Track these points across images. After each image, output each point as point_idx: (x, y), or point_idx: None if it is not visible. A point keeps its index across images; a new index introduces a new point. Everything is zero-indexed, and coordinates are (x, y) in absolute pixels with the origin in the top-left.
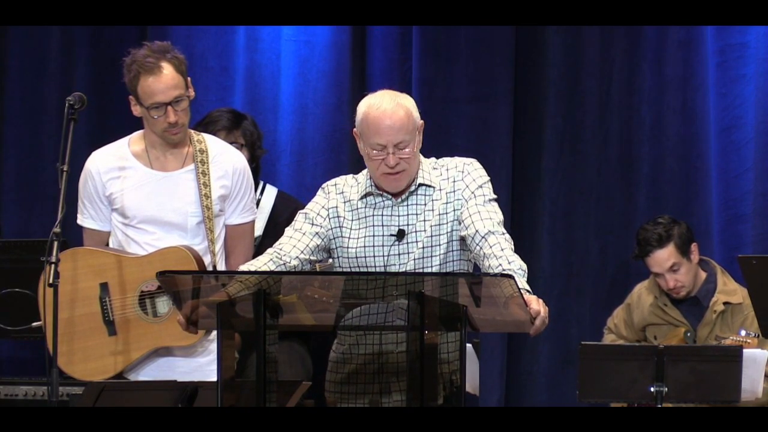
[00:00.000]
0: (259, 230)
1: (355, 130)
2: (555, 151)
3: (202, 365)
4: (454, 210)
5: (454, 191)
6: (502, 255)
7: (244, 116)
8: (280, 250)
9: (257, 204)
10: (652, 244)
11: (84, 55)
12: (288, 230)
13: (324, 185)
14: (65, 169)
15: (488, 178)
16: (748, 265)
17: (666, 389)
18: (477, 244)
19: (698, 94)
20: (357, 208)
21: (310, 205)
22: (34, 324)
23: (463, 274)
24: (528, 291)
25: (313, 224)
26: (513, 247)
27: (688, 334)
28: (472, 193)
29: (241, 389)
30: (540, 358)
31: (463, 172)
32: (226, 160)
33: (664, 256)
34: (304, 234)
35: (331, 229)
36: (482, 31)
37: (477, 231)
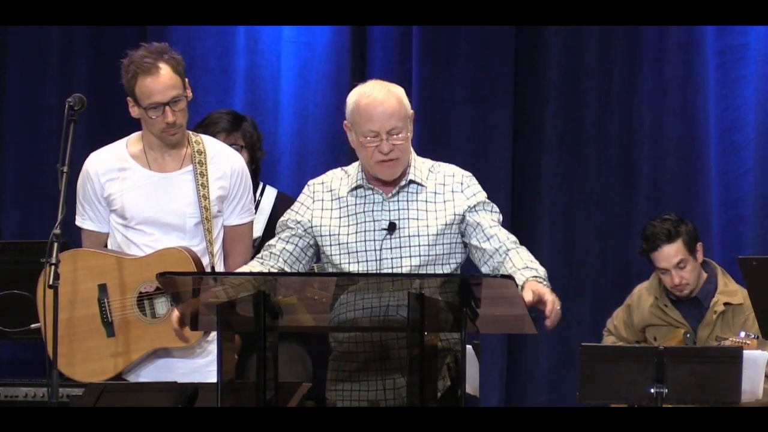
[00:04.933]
0: (258, 231)
1: (345, 122)
2: (555, 152)
3: (200, 366)
4: (453, 215)
5: (453, 201)
6: (529, 260)
7: (244, 118)
8: (261, 259)
9: (257, 205)
10: (661, 239)
11: (84, 56)
12: (271, 240)
13: (310, 183)
14: (65, 170)
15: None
16: (748, 267)
17: (666, 391)
18: (503, 254)
19: (698, 95)
20: (347, 204)
21: (293, 206)
22: (33, 326)
23: (464, 275)
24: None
25: (290, 229)
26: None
27: (688, 335)
28: (480, 205)
29: (241, 390)
30: (540, 360)
31: (462, 184)
32: (225, 161)
33: (672, 252)
34: (282, 241)
35: (312, 227)
36: (482, 32)
37: (503, 244)
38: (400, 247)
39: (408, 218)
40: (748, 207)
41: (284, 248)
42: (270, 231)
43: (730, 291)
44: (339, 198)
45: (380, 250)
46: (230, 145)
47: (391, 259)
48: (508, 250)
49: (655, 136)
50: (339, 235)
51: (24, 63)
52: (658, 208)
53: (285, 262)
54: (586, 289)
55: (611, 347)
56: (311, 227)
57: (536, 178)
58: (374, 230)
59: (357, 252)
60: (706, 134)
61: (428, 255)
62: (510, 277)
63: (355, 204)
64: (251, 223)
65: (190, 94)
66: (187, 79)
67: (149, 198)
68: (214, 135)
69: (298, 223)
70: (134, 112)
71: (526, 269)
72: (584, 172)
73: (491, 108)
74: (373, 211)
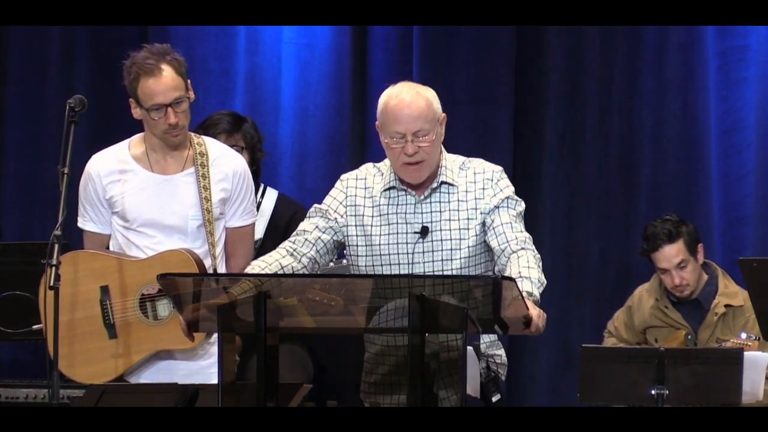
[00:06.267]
0: (259, 233)
1: (377, 122)
2: (555, 154)
3: (202, 368)
4: (481, 213)
5: (483, 197)
6: (525, 266)
7: (245, 119)
8: (294, 244)
9: (258, 207)
10: (662, 239)
11: (84, 57)
12: (302, 224)
13: (343, 177)
14: (66, 171)
15: (514, 189)
16: (748, 268)
17: (667, 392)
18: (507, 257)
19: (699, 96)
20: (379, 204)
21: (326, 200)
22: (35, 327)
23: (465, 276)
24: (530, 294)
25: (327, 219)
26: (541, 265)
27: (689, 337)
28: (503, 201)
29: (242, 392)
30: (541, 361)
31: (492, 180)
32: (226, 163)
33: (673, 252)
34: (319, 230)
35: (347, 226)
36: (483, 33)
37: (509, 245)
38: (433, 251)
39: (440, 220)
40: (749, 208)
41: (320, 237)
42: (271, 233)
43: (731, 293)
44: (372, 197)
45: (412, 254)
46: (231, 146)
47: (423, 263)
48: (512, 252)
49: (656, 137)
50: (371, 236)
51: (24, 64)
52: (659, 209)
53: (318, 252)
54: (586, 290)
55: (612, 348)
56: (345, 226)
57: (537, 180)
58: (406, 233)
59: (389, 255)
60: (706, 136)
61: (460, 258)
62: (511, 279)
63: (388, 205)
64: (253, 224)
65: (192, 95)
66: (189, 80)
67: (151, 200)
68: (214, 136)
69: (334, 219)
70: (136, 113)
71: (519, 278)
72: (585, 173)
73: (492, 109)
74: (405, 213)
